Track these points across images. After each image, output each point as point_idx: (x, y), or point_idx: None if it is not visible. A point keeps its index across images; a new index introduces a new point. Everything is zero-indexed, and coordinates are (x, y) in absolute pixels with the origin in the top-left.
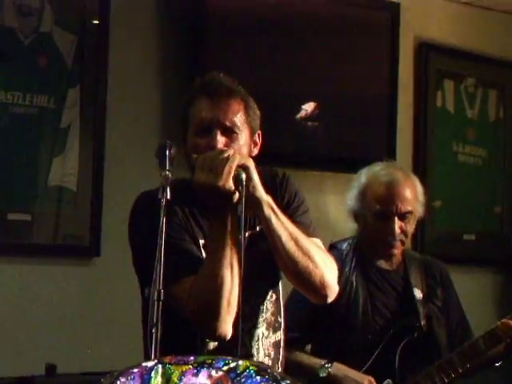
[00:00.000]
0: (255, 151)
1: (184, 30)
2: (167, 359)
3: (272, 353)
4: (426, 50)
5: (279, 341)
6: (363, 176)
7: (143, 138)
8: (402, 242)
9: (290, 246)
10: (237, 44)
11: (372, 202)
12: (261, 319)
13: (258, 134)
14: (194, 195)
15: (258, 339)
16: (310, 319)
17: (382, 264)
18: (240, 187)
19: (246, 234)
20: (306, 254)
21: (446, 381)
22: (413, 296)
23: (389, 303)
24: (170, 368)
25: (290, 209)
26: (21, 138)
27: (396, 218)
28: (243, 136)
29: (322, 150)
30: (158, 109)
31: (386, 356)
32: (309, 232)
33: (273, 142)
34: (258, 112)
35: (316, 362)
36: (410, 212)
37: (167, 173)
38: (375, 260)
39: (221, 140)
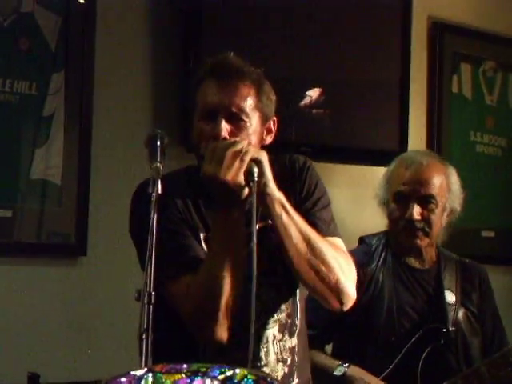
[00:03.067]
0: (268, 139)
1: (177, 12)
2: (158, 367)
3: (289, 359)
4: (440, 31)
5: (296, 346)
6: (392, 163)
7: (133, 127)
8: (426, 233)
9: (301, 247)
10: (234, 27)
11: (394, 184)
12: (272, 319)
13: (273, 121)
14: (199, 185)
15: (268, 341)
16: (331, 317)
17: (413, 262)
18: (251, 182)
19: (257, 226)
20: (319, 256)
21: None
22: (443, 299)
23: (417, 305)
24: (161, 377)
25: (308, 202)
26: (0, 128)
27: (415, 202)
28: (252, 123)
29: (327, 140)
30: (149, 96)
31: (409, 361)
32: (327, 230)
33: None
34: (273, 97)
35: (333, 362)
36: (433, 197)
37: (158, 165)
38: (405, 257)
39: (225, 127)
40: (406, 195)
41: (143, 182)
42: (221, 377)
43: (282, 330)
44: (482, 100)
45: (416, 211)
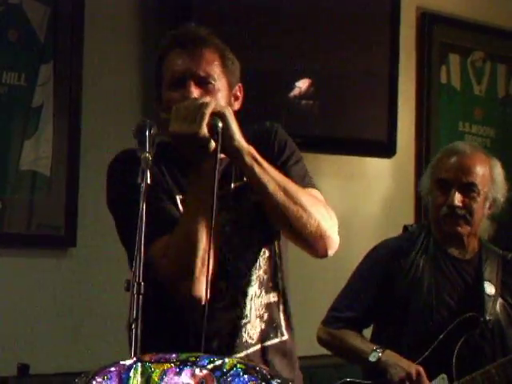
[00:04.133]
0: (236, 105)
1: (168, 2)
2: (147, 357)
3: (265, 315)
4: (429, 22)
5: (274, 303)
6: (436, 154)
7: (123, 117)
8: (467, 221)
9: (278, 196)
10: (223, 19)
11: (437, 172)
12: (254, 276)
13: (239, 87)
14: (174, 156)
15: (252, 298)
16: (373, 301)
17: (454, 252)
18: (215, 135)
19: (232, 186)
20: (297, 203)
21: (507, 381)
22: (483, 290)
23: (455, 294)
24: (150, 366)
25: (281, 158)
26: None
27: (457, 189)
28: (220, 88)
29: (317, 131)
30: (139, 86)
31: (445, 349)
32: (303, 182)
33: (264, 121)
34: (237, 63)
35: (369, 346)
36: (474, 185)
37: (147, 155)
38: (447, 247)
39: (195, 91)
40: (449, 182)
41: (119, 153)
42: (210, 366)
43: (260, 287)
44: (471, 90)
45: (457, 198)
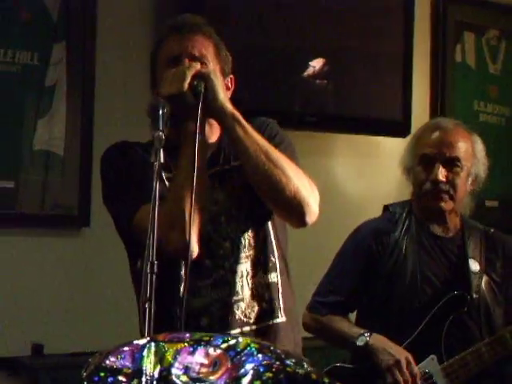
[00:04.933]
0: (227, 95)
1: None
2: (161, 337)
3: (266, 294)
4: (443, 0)
5: (275, 284)
6: (417, 130)
7: (135, 96)
8: (450, 196)
9: (259, 157)
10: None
11: (419, 148)
12: (243, 255)
13: (231, 79)
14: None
15: (242, 276)
16: (357, 283)
17: (436, 230)
18: (197, 95)
19: (219, 168)
20: (277, 166)
21: (496, 359)
22: (467, 267)
23: (440, 272)
24: (163, 346)
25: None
26: (2, 98)
27: (440, 164)
28: (214, 69)
29: (331, 110)
30: None
31: (433, 329)
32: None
33: (278, 101)
34: (229, 56)
35: (356, 330)
36: (458, 159)
37: (160, 133)
38: (429, 224)
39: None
40: (432, 157)
41: (108, 148)
42: (224, 345)
43: (255, 267)
44: (486, 69)
45: (441, 173)
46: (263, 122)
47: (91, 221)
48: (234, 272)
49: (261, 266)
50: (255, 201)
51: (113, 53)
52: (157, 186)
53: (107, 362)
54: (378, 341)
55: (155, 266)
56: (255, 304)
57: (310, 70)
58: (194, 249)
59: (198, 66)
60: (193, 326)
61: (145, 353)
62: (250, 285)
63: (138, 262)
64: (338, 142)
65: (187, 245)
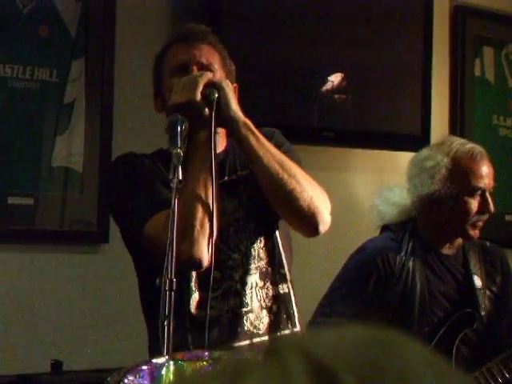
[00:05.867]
0: None
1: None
2: (179, 355)
3: (274, 307)
4: (462, 14)
5: (285, 294)
6: (439, 154)
7: (154, 113)
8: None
9: (273, 166)
10: (255, 13)
11: (472, 180)
12: (253, 266)
13: (235, 88)
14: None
15: (252, 287)
16: (363, 303)
17: (445, 249)
18: (210, 104)
19: (226, 179)
20: (291, 176)
21: (508, 376)
22: (473, 284)
23: (447, 292)
24: (183, 365)
25: None
26: (21, 115)
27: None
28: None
29: (350, 125)
30: None
31: (443, 349)
32: None
33: (297, 116)
34: (233, 65)
35: None
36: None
37: (178, 151)
38: (436, 244)
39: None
40: (484, 190)
41: (116, 158)
42: None
43: (263, 278)
44: (505, 83)
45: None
46: (268, 131)
47: (110, 237)
48: (244, 283)
49: (271, 277)
50: (263, 211)
51: (131, 69)
52: (175, 202)
53: (126, 380)
54: None
55: (174, 284)
56: (264, 315)
57: (328, 85)
58: (205, 259)
59: (209, 74)
60: (202, 337)
61: (163, 371)
62: (258, 296)
63: (157, 280)
64: (356, 156)
65: (198, 258)
